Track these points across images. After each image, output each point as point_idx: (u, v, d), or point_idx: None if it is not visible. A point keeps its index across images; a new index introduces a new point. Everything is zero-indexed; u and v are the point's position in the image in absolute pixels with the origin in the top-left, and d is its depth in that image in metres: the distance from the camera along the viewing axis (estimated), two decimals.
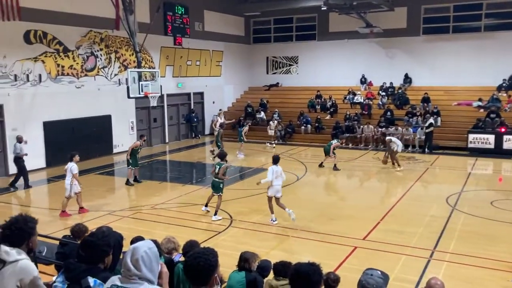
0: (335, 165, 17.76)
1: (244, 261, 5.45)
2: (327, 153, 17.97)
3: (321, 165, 18.03)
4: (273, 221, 11.05)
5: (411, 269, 8.39)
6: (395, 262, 8.66)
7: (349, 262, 8.63)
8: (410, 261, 8.80)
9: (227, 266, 5.59)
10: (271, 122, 24.85)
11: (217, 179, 11.58)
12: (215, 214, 11.40)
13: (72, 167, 11.77)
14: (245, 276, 5.33)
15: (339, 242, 9.79)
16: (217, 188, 11.58)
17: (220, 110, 26.08)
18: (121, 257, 3.42)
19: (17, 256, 3.41)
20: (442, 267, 8.48)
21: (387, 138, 18.56)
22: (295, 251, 9.28)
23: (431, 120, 21.23)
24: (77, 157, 11.98)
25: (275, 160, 11.31)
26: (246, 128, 21.70)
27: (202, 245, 5.92)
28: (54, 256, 7.11)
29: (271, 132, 24.19)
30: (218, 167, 11.62)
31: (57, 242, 7.27)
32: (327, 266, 6.69)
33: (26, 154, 14.96)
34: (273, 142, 23.44)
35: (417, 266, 8.46)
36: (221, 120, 23.43)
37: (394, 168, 17.59)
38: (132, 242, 4.26)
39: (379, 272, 3.33)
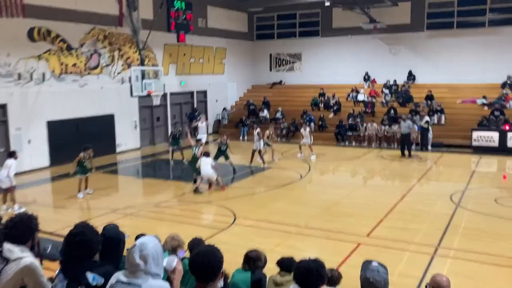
0: (195, 180, 14.36)
1: (250, 260, 5.34)
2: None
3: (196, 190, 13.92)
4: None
5: (415, 265, 8.38)
6: (399, 258, 8.64)
7: (352, 258, 8.61)
8: (414, 258, 8.79)
9: (230, 263, 5.57)
10: (303, 128, 20.09)
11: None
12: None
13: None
14: (251, 276, 5.24)
15: (343, 239, 9.78)
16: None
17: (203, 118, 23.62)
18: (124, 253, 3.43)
19: (20, 254, 3.41)
20: (446, 264, 8.47)
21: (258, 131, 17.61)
22: (298, 248, 9.27)
23: (427, 118, 21.25)
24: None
25: None
26: (267, 132, 18.59)
27: (205, 243, 5.93)
28: (58, 253, 7.14)
29: (306, 140, 19.48)
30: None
31: (62, 239, 7.30)
32: (331, 263, 6.68)
33: None
34: (312, 152, 19.38)
35: (421, 263, 8.43)
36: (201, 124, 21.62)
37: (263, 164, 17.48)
38: (137, 239, 4.26)
39: (381, 266, 3.31)
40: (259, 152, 17.74)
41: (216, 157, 15.92)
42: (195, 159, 14.40)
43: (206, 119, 22.69)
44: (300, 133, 22.12)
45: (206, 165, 13.77)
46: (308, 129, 20.08)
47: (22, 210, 11.61)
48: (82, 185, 13.86)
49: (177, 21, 24.45)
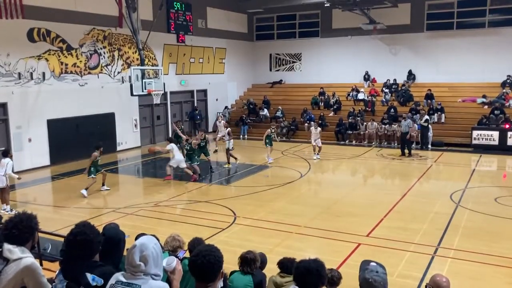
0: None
1: (248, 263, 5.25)
2: None
3: None
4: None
5: (415, 265, 8.38)
6: (399, 258, 8.64)
7: (352, 258, 8.61)
8: (414, 258, 8.80)
9: (230, 263, 5.58)
10: (312, 128, 19.72)
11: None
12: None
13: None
14: (252, 279, 5.15)
15: (343, 239, 9.78)
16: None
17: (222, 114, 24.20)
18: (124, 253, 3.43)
19: (20, 254, 3.41)
20: (446, 264, 8.47)
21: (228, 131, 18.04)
22: (299, 248, 9.27)
23: (427, 117, 21.26)
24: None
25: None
26: (269, 131, 18.62)
27: (205, 242, 5.92)
28: (58, 253, 7.16)
29: (318, 141, 19.03)
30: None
31: (62, 239, 7.31)
32: (331, 263, 6.70)
33: None
34: (318, 153, 19.06)
35: (421, 263, 8.44)
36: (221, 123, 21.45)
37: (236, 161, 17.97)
38: (137, 239, 4.26)
39: (379, 266, 3.30)
40: (229, 150, 17.75)
41: (198, 155, 16.17)
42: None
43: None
44: (301, 132, 22.14)
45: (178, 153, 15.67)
46: (319, 128, 19.88)
47: (13, 212, 11.48)
48: (100, 181, 14.15)
49: (176, 22, 24.44)
